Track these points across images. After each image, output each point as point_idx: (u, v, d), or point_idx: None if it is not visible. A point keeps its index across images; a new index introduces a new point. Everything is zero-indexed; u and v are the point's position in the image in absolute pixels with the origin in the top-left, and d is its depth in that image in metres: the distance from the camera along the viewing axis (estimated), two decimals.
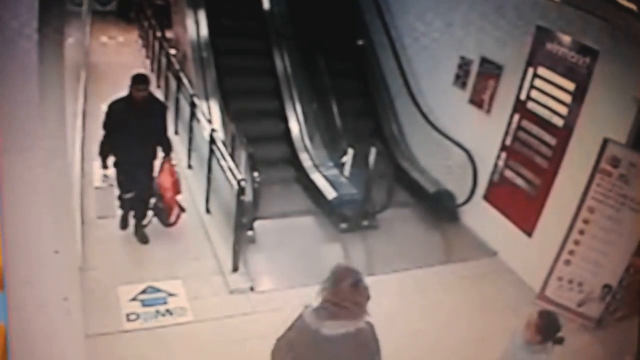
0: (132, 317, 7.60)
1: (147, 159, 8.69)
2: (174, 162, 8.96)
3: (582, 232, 8.38)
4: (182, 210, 9.19)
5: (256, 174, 8.90)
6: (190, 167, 10.95)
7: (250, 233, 9.32)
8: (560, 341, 5.79)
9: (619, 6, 6.41)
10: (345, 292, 4.68)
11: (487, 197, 10.14)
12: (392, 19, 12.48)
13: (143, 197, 8.85)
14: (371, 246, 9.85)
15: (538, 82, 9.18)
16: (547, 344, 5.78)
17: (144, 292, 7.99)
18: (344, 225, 10.04)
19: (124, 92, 8.36)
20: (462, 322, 8.11)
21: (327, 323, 4.65)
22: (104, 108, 8.43)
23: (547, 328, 5.75)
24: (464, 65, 10.58)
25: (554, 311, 6.16)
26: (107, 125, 8.40)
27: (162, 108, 8.84)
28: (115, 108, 8.35)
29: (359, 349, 4.79)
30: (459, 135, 10.60)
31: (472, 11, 10.26)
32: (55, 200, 4.89)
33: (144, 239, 8.98)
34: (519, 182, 9.49)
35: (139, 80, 8.29)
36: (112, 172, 8.69)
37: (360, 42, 13.10)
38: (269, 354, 5.16)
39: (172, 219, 9.10)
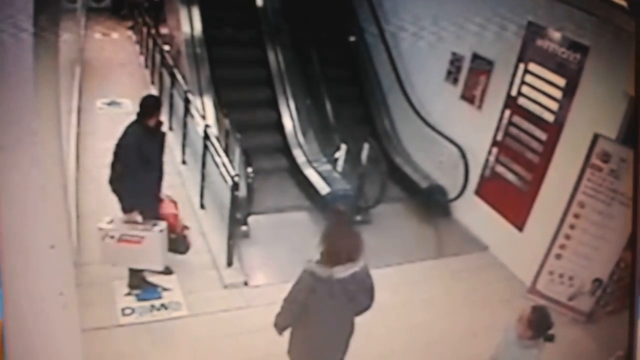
0: (127, 311, 7.65)
1: (159, 190, 8.11)
2: None
3: (572, 227, 8.44)
4: (187, 228, 8.68)
5: (250, 169, 8.95)
6: (184, 162, 10.96)
7: (244, 228, 9.35)
8: (550, 338, 5.86)
9: (609, 2, 6.49)
10: (342, 240, 5.53)
11: (478, 192, 10.19)
12: (384, 14, 12.50)
13: None
14: (364, 241, 9.87)
15: (529, 78, 9.23)
16: (539, 339, 5.85)
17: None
18: None
19: (132, 118, 7.72)
20: (453, 315, 8.16)
21: (336, 269, 5.33)
22: (119, 137, 7.61)
23: (538, 323, 5.83)
24: (455, 61, 10.62)
25: (546, 307, 6.22)
26: (128, 160, 7.50)
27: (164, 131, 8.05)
28: (133, 137, 7.52)
29: (364, 284, 5.57)
30: (451, 130, 10.63)
31: (463, 7, 10.29)
32: (50, 194, 4.93)
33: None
34: (510, 177, 9.54)
35: (155, 105, 7.77)
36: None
37: (353, 38, 13.11)
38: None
39: (188, 242, 8.60)
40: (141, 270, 8.16)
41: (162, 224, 7.82)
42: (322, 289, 5.34)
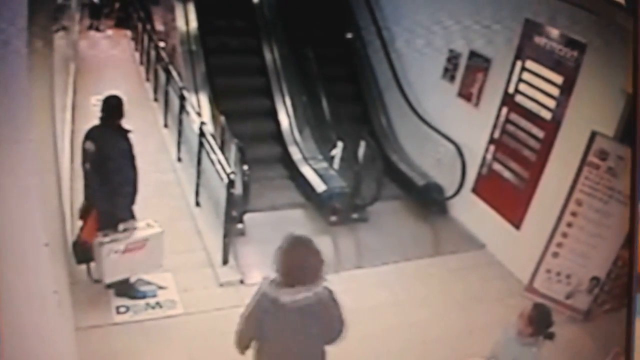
0: (122, 309, 7.62)
1: (136, 190, 7.83)
2: None
3: (569, 225, 8.43)
4: None
5: (245, 167, 8.93)
6: (179, 159, 10.93)
7: (239, 226, 9.33)
8: (550, 336, 5.87)
9: None
10: (296, 259, 4.99)
11: (475, 190, 10.17)
12: (380, 12, 12.49)
13: None
14: (360, 239, 9.87)
15: (526, 75, 9.21)
16: (538, 337, 5.85)
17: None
18: (333, 218, 10.04)
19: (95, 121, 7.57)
20: (450, 314, 8.16)
21: (283, 291, 4.91)
22: (85, 143, 7.52)
23: (538, 320, 5.85)
24: (453, 59, 10.60)
25: (547, 305, 6.22)
26: (98, 165, 7.36)
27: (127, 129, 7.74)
28: (100, 141, 7.37)
29: (320, 313, 5.03)
30: (448, 128, 10.61)
31: (461, 4, 10.28)
32: (44, 192, 4.90)
33: None
34: (507, 174, 9.53)
35: (119, 105, 7.54)
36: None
37: (349, 36, 13.10)
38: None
39: None
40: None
41: (152, 222, 7.79)
42: (272, 311, 5.00)
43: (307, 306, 4.94)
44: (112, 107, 7.51)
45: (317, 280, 4.98)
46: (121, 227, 7.54)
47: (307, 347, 5.23)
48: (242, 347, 5.38)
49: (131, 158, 7.57)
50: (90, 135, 7.51)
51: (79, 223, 7.77)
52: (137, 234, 7.62)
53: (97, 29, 15.47)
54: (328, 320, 5.14)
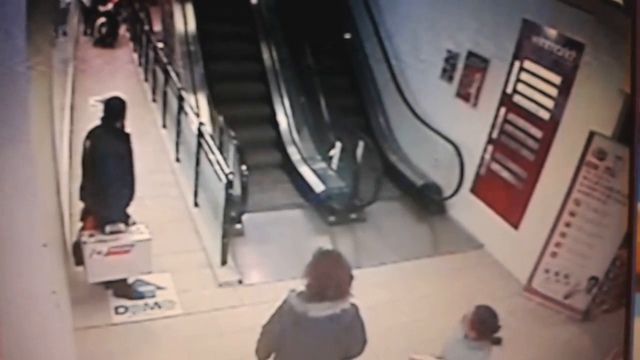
0: (121, 309, 7.62)
1: (132, 194, 7.82)
2: None
3: (568, 224, 8.44)
4: None
5: (244, 167, 8.93)
6: (178, 160, 10.93)
7: (238, 226, 9.33)
8: (497, 341, 5.79)
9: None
10: (327, 274, 4.92)
11: (473, 190, 10.17)
12: (379, 11, 12.49)
13: None
14: (359, 239, 9.87)
15: (524, 76, 9.22)
16: (484, 341, 5.79)
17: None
18: (332, 218, 10.04)
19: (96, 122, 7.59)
20: (448, 313, 8.12)
21: (312, 305, 4.87)
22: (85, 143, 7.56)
23: (480, 324, 5.78)
24: (451, 59, 10.60)
25: (492, 308, 6.12)
26: (98, 166, 7.41)
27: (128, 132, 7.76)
28: (101, 142, 7.44)
29: (345, 330, 5.01)
30: (446, 128, 10.61)
31: (459, 4, 10.28)
32: (42, 193, 4.89)
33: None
34: (505, 174, 9.53)
35: (121, 107, 7.60)
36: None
37: (348, 36, 13.10)
38: None
39: None
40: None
41: (143, 228, 7.75)
42: (298, 324, 4.97)
43: (334, 322, 4.93)
44: (113, 109, 7.54)
45: (345, 295, 4.96)
46: (108, 229, 7.49)
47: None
48: (263, 357, 5.34)
49: (128, 161, 7.56)
50: (90, 134, 7.55)
51: (80, 224, 7.77)
52: (123, 238, 7.52)
53: (90, 34, 15.46)
54: (351, 337, 5.13)
